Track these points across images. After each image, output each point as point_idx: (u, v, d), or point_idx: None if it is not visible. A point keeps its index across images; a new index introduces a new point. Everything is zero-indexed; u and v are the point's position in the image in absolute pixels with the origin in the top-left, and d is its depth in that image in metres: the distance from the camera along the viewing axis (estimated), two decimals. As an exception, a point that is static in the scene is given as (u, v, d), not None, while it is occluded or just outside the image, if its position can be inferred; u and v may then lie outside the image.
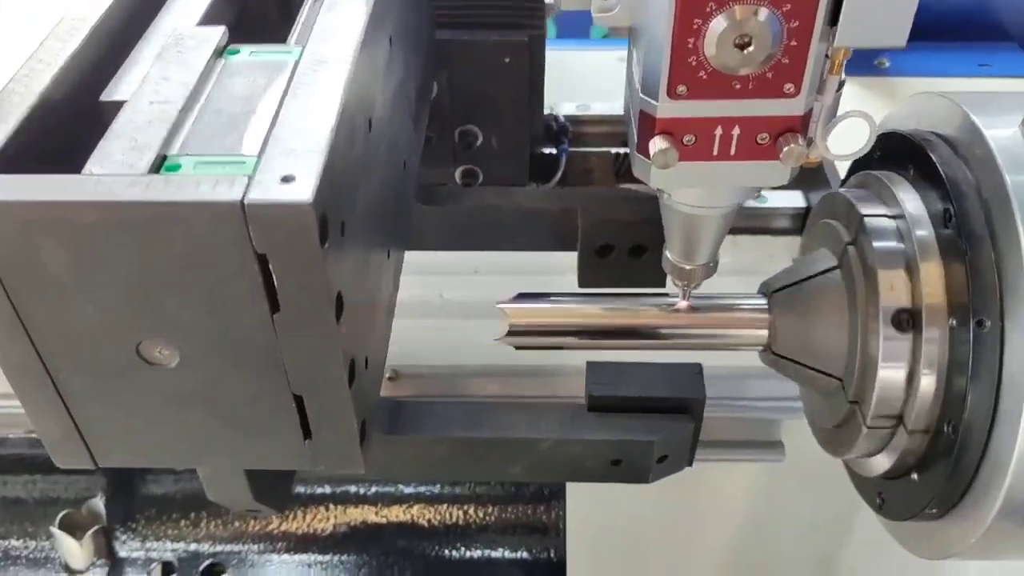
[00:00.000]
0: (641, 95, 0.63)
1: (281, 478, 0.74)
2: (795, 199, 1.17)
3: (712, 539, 1.40)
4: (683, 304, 0.83)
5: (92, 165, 0.46)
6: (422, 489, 0.98)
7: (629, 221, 0.87)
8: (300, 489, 0.99)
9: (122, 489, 1.00)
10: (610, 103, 1.33)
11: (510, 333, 0.82)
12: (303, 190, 0.42)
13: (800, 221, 1.17)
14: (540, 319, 0.83)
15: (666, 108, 0.63)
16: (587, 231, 0.87)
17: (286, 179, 0.42)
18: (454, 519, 0.97)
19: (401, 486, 0.98)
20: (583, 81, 1.56)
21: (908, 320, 0.71)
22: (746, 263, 1.17)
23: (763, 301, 0.83)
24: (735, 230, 1.17)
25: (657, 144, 0.63)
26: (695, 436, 0.80)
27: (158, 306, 0.46)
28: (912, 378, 0.71)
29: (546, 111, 1.25)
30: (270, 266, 0.44)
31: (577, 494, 0.97)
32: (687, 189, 0.74)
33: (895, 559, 1.34)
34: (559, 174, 1.18)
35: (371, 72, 0.56)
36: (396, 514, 0.98)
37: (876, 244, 0.75)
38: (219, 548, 0.98)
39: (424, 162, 1.02)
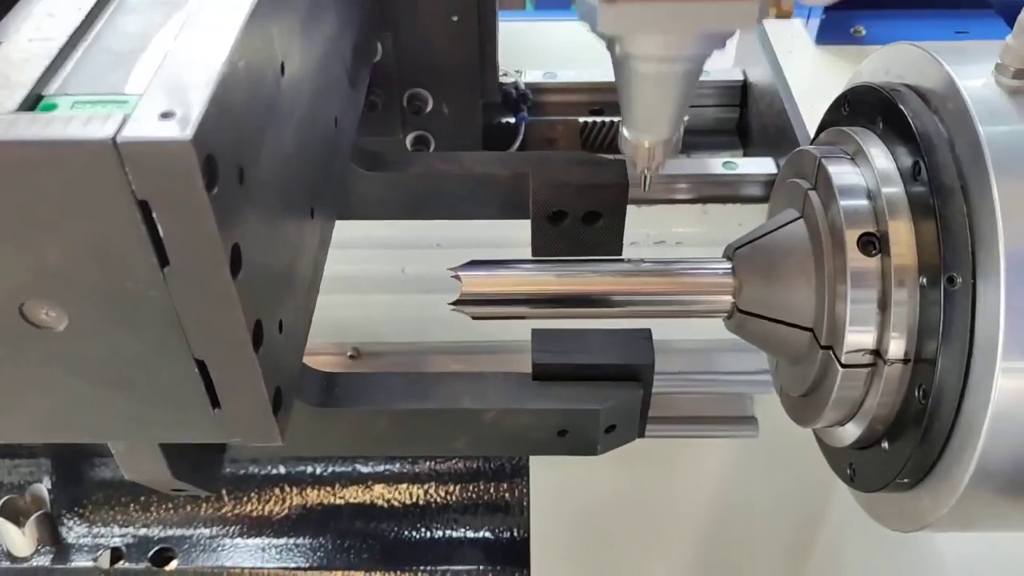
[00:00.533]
0: None
1: (206, 454, 0.70)
2: (766, 166, 1.14)
3: (683, 516, 1.38)
4: (636, 268, 0.79)
5: None
6: (380, 468, 0.95)
7: (581, 185, 0.83)
8: (254, 470, 0.96)
9: (68, 474, 0.96)
10: (578, 71, 1.30)
11: (463, 301, 0.78)
12: (183, 127, 0.38)
13: (771, 188, 1.13)
14: (495, 287, 0.79)
15: None
16: (538, 197, 0.83)
17: (166, 115, 0.38)
18: (414, 499, 0.94)
19: (359, 466, 0.95)
20: (558, 51, 1.53)
21: (874, 243, 0.68)
22: (716, 233, 1.14)
23: (727, 264, 0.79)
24: (705, 198, 1.15)
25: None
26: (645, 404, 0.76)
27: (38, 261, 0.42)
28: (885, 302, 0.68)
29: (510, 79, 1.21)
30: (153, 214, 0.40)
31: (541, 471, 0.94)
32: (642, 38, 0.66)
33: (872, 534, 1.32)
34: (517, 143, 1.15)
35: (283, 13, 0.52)
36: (354, 495, 0.95)
37: (835, 176, 0.72)
38: (169, 533, 0.94)
39: (371, 128, 0.98)
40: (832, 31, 1.58)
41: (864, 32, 1.59)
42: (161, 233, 0.41)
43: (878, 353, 0.68)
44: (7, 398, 0.50)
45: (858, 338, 0.69)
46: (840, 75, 1.50)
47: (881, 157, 0.71)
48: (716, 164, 1.14)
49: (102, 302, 0.44)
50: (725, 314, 0.80)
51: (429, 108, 1.02)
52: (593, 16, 0.61)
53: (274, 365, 0.51)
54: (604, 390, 0.74)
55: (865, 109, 0.76)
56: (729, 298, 0.79)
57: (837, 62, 1.54)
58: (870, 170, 0.71)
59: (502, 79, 1.21)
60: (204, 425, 0.51)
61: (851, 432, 0.75)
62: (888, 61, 0.78)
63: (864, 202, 0.70)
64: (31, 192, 0.39)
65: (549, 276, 0.80)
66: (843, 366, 0.70)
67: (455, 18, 0.94)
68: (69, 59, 0.45)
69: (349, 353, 1.18)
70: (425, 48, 0.96)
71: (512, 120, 1.18)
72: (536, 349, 0.75)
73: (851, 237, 0.69)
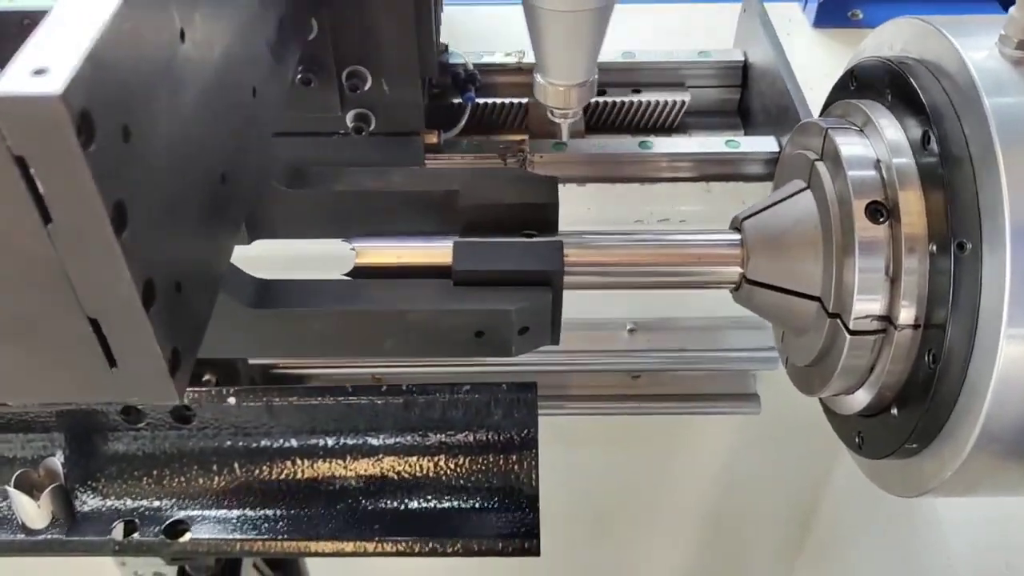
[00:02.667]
0: None
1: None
2: (768, 144, 1.15)
3: (687, 490, 1.39)
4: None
5: None
6: (391, 441, 0.96)
7: (512, 204, 0.83)
8: (265, 443, 0.97)
9: (81, 448, 0.97)
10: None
11: (356, 273, 0.81)
12: (54, 82, 0.38)
13: (774, 166, 1.15)
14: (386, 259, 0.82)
15: None
16: (468, 216, 0.83)
17: (39, 72, 0.39)
18: (424, 471, 0.95)
19: (369, 439, 0.96)
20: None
21: (881, 211, 0.70)
22: (719, 210, 1.15)
23: (735, 236, 0.80)
24: (708, 176, 1.16)
25: None
26: (556, 308, 0.80)
27: None
28: (895, 269, 0.69)
29: (461, 60, 1.22)
30: (31, 170, 0.40)
31: (548, 444, 0.95)
32: None
33: (871, 509, 1.34)
34: (461, 123, 1.16)
35: None
36: (364, 467, 0.96)
37: (842, 147, 0.74)
38: (182, 505, 0.95)
39: (310, 105, 0.99)
40: (830, 14, 1.59)
41: (861, 15, 1.60)
42: (41, 189, 0.41)
43: (888, 319, 0.70)
44: None
45: (866, 305, 0.70)
46: (838, 58, 1.52)
47: (890, 128, 0.72)
48: (719, 143, 1.15)
49: None
50: (733, 285, 0.82)
51: (368, 86, 1.01)
52: None
53: (170, 325, 0.51)
54: (516, 293, 0.78)
55: (873, 82, 0.77)
56: (737, 269, 0.80)
57: (835, 45, 1.56)
58: (880, 141, 0.72)
59: (452, 60, 1.22)
60: (103, 384, 0.51)
61: (860, 400, 0.76)
62: (891, 36, 0.79)
63: (871, 172, 0.72)
64: None
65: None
66: (851, 333, 0.71)
67: None
68: None
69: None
70: (360, 26, 0.95)
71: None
72: (457, 258, 0.79)
73: (859, 206, 0.70)
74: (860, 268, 0.69)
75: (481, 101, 1.22)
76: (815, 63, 1.47)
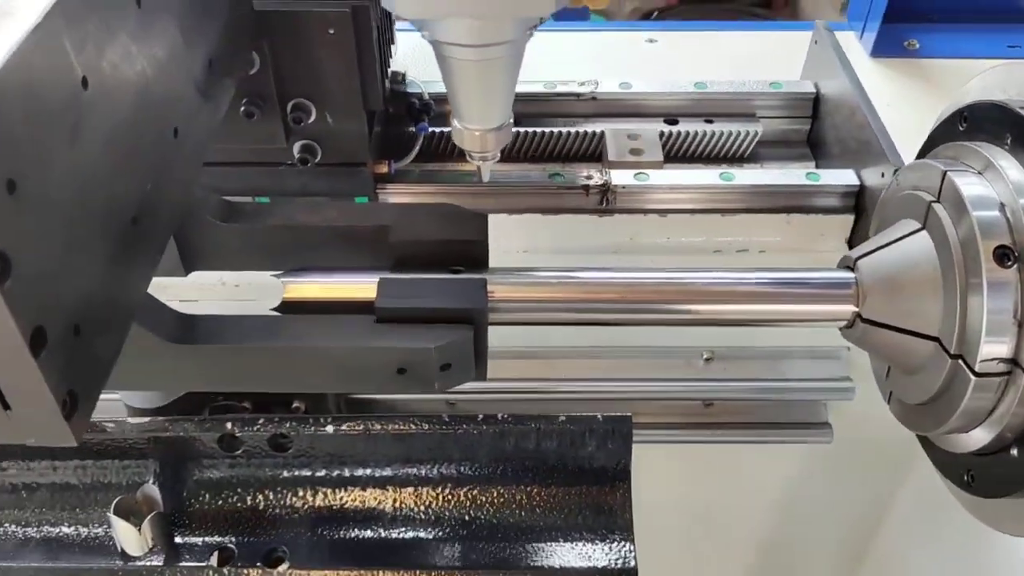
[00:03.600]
0: None
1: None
2: (847, 177, 1.16)
3: (751, 516, 1.40)
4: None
5: None
6: (487, 471, 0.97)
7: (441, 241, 0.84)
8: (359, 472, 0.97)
9: (175, 475, 0.97)
10: (650, 81, 1.32)
11: (284, 307, 0.82)
12: None
13: (852, 199, 1.16)
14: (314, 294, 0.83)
15: None
16: (397, 251, 0.84)
17: None
18: (518, 500, 0.96)
19: (464, 468, 0.97)
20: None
21: (1008, 254, 0.70)
22: (798, 242, 1.16)
23: (850, 275, 0.81)
24: (787, 208, 1.17)
25: None
26: (479, 345, 0.80)
27: None
28: (1022, 311, 0.69)
29: (419, 88, 1.25)
30: None
31: (639, 474, 0.96)
32: (447, 24, 0.67)
33: (934, 537, 1.34)
34: (413, 153, 1.18)
35: (83, 31, 0.53)
36: (459, 496, 0.96)
37: (965, 189, 0.74)
38: (278, 533, 0.96)
39: (254, 137, 1.02)
40: (887, 44, 1.60)
41: (918, 45, 1.61)
42: None
43: (1015, 362, 0.70)
44: None
45: (993, 348, 0.71)
46: (897, 87, 1.54)
47: (1013, 170, 0.73)
48: (799, 175, 1.16)
49: None
50: (845, 323, 0.82)
51: (312, 119, 1.03)
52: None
53: (65, 369, 0.51)
54: (437, 331, 0.78)
55: (988, 125, 0.78)
56: (852, 308, 0.80)
57: (893, 74, 1.57)
58: (1003, 183, 0.73)
59: (410, 89, 1.25)
60: None
61: (977, 439, 0.76)
62: (1003, 80, 0.80)
63: (996, 214, 0.72)
64: None
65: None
66: (976, 375, 0.71)
67: (331, 31, 0.95)
68: None
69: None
70: (303, 60, 0.97)
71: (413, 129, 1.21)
72: (380, 294, 0.80)
73: (986, 249, 0.71)
74: (989, 311, 0.70)
75: (438, 130, 1.23)
76: (875, 93, 1.48)
